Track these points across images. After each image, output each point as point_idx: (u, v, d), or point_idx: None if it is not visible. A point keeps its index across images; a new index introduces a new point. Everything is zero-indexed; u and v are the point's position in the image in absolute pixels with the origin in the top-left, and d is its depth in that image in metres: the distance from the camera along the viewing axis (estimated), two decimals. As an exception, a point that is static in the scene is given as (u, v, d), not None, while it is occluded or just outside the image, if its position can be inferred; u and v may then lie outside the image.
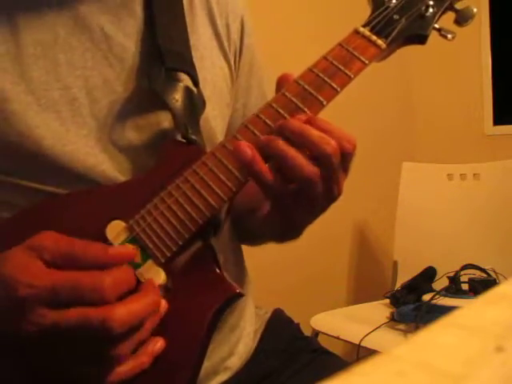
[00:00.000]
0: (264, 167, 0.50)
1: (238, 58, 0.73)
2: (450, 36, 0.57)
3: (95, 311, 0.45)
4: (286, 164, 0.49)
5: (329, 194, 0.52)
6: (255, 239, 0.74)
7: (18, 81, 0.56)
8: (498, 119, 2.11)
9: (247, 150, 0.50)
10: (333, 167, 0.50)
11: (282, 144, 0.50)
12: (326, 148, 0.49)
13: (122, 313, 0.45)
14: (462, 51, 2.17)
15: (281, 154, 0.49)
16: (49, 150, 0.56)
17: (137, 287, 0.51)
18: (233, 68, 0.71)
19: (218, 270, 0.54)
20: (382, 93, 2.16)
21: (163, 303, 0.51)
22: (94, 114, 0.58)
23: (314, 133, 0.49)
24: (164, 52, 0.60)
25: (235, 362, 0.67)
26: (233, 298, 0.53)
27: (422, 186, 1.89)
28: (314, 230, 2.16)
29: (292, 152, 0.49)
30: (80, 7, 0.59)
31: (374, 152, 2.13)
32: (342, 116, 2.17)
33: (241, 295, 0.53)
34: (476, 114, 2.15)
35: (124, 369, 0.48)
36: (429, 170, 1.90)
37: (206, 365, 0.62)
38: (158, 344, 0.51)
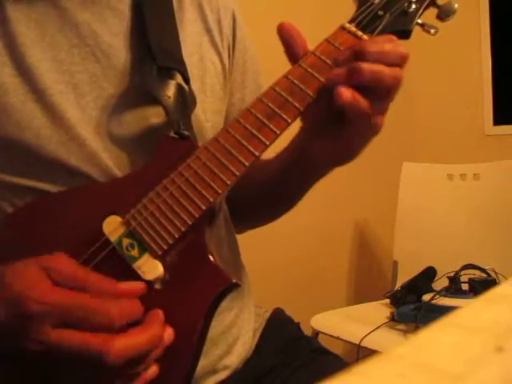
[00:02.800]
0: (363, 99, 0.52)
1: (231, 53, 0.73)
2: (432, 31, 0.58)
3: (96, 339, 0.45)
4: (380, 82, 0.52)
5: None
6: (297, 193, 0.73)
7: (16, 73, 0.57)
8: (498, 119, 2.11)
9: (347, 92, 0.51)
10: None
11: (368, 66, 0.51)
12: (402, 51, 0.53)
13: (120, 346, 0.45)
14: (462, 51, 2.17)
15: (373, 76, 0.52)
16: (46, 140, 0.56)
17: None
18: (226, 63, 0.71)
19: (214, 261, 0.54)
20: (382, 93, 2.15)
21: (169, 331, 0.51)
22: (82, 109, 0.58)
23: (387, 46, 0.53)
24: (155, 50, 0.60)
25: (233, 360, 0.67)
26: (229, 288, 0.54)
27: (422, 186, 1.89)
28: (315, 230, 2.16)
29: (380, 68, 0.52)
30: (67, 5, 0.60)
31: (374, 152, 2.12)
32: (342, 116, 2.15)
33: (237, 285, 0.53)
34: (476, 114, 2.15)
35: None
36: (429, 169, 1.90)
37: (204, 363, 0.62)
38: (150, 371, 0.50)
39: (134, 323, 0.49)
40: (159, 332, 0.50)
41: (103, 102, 0.59)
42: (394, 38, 0.54)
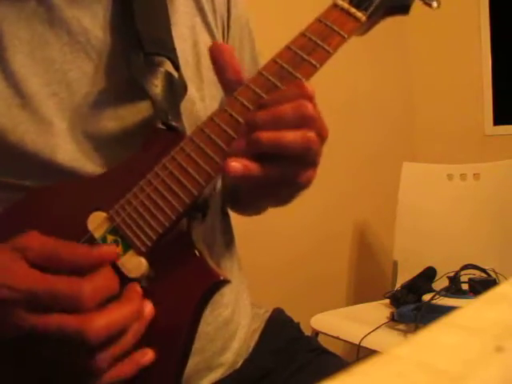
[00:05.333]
0: (259, 168, 0.48)
1: (226, 33, 0.71)
2: (434, 4, 0.54)
3: (72, 320, 0.44)
4: (283, 149, 0.48)
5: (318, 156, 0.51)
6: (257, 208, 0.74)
7: (2, 76, 0.56)
8: (498, 119, 2.11)
9: (236, 165, 0.48)
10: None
11: (268, 134, 0.48)
12: (307, 108, 0.48)
13: (99, 324, 0.44)
14: (463, 51, 2.17)
15: (276, 144, 0.48)
16: (30, 144, 0.55)
17: (121, 281, 0.50)
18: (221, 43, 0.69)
19: (201, 258, 0.53)
20: (383, 93, 2.15)
21: (149, 308, 0.50)
22: (74, 107, 0.58)
23: (286, 107, 0.48)
24: (143, 37, 0.58)
25: (228, 357, 0.67)
26: (217, 285, 0.52)
27: (422, 186, 1.89)
28: (314, 230, 2.17)
29: (284, 135, 0.48)
30: (55, 1, 0.58)
31: (374, 152, 2.12)
32: (343, 116, 2.17)
33: (225, 282, 0.52)
34: (476, 114, 2.15)
35: (108, 375, 0.48)
36: (429, 169, 1.90)
37: (198, 360, 0.62)
38: (147, 357, 0.50)
39: (112, 297, 0.48)
40: (138, 306, 0.49)
41: (96, 98, 0.58)
42: (302, 91, 0.49)
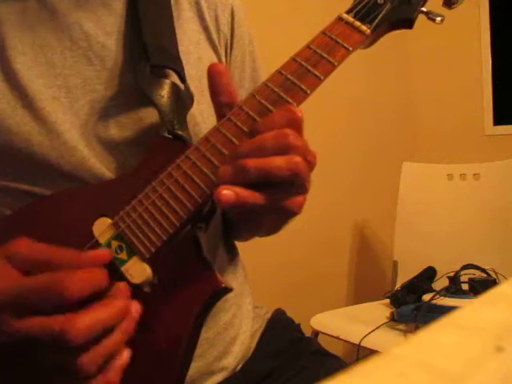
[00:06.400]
0: (251, 195, 0.48)
1: (229, 51, 0.71)
2: (438, 19, 0.54)
3: (54, 321, 0.44)
4: (270, 175, 0.47)
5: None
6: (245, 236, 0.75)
7: (6, 78, 0.56)
8: (498, 119, 2.11)
9: (228, 194, 0.47)
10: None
11: (253, 161, 0.47)
12: (289, 139, 0.47)
13: (81, 323, 0.44)
14: (463, 51, 2.17)
15: (262, 170, 0.47)
16: (37, 145, 0.56)
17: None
18: (224, 61, 0.70)
19: (204, 265, 0.53)
20: (383, 93, 2.16)
21: (136, 306, 0.49)
22: (75, 113, 0.58)
23: (267, 136, 0.48)
24: (149, 49, 0.59)
25: (230, 361, 0.67)
26: (219, 293, 0.52)
27: (422, 186, 1.89)
28: (315, 230, 2.16)
29: (270, 161, 0.47)
30: (59, 5, 0.59)
31: (374, 152, 2.13)
32: (343, 116, 2.17)
33: (227, 290, 0.52)
34: (476, 114, 2.15)
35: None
36: (429, 169, 1.90)
37: (200, 364, 0.62)
38: (124, 357, 0.48)
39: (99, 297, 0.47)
40: (123, 305, 0.48)
41: (97, 105, 0.59)
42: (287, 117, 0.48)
